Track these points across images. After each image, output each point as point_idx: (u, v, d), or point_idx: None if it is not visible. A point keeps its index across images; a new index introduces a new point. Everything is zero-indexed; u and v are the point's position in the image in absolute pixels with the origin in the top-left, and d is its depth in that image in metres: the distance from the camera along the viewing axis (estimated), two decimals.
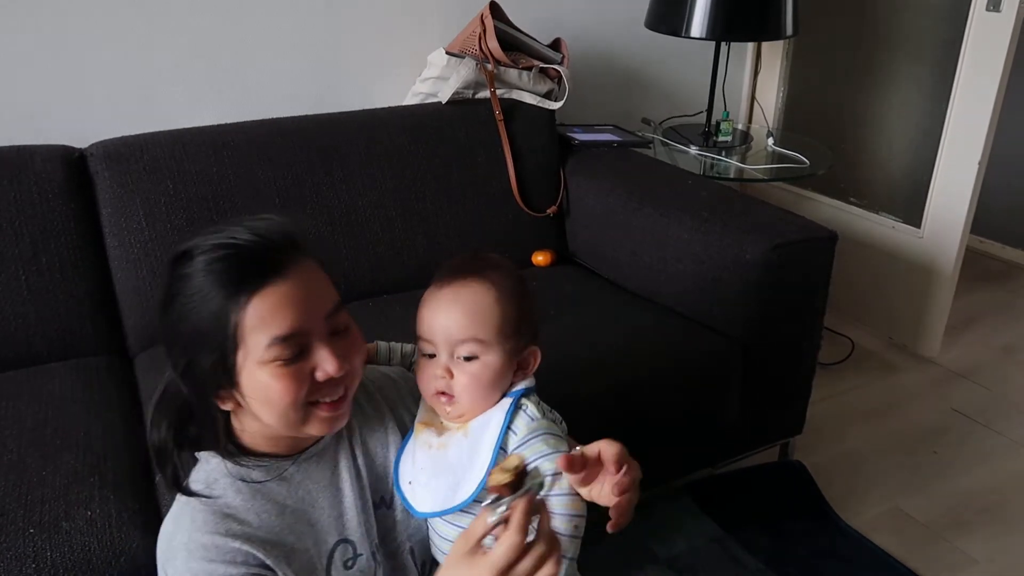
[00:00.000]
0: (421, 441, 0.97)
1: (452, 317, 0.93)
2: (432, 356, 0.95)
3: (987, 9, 2.04)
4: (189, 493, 0.88)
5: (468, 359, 0.93)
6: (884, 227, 2.44)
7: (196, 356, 0.83)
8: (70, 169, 1.58)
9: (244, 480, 0.89)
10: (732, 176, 2.22)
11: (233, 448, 0.89)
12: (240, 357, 0.82)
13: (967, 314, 2.61)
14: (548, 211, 1.96)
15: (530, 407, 0.96)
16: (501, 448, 0.93)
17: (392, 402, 1.03)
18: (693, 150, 2.29)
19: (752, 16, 2.12)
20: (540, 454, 0.91)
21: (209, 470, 0.90)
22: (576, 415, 1.41)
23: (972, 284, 2.76)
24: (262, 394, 0.84)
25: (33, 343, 1.54)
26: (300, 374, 0.84)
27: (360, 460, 0.97)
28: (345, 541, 0.94)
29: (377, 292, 1.78)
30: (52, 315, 1.54)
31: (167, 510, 1.16)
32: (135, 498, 1.18)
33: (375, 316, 1.65)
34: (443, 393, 0.95)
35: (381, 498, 0.98)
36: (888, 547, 1.68)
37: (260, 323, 0.81)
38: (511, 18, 2.01)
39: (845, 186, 2.56)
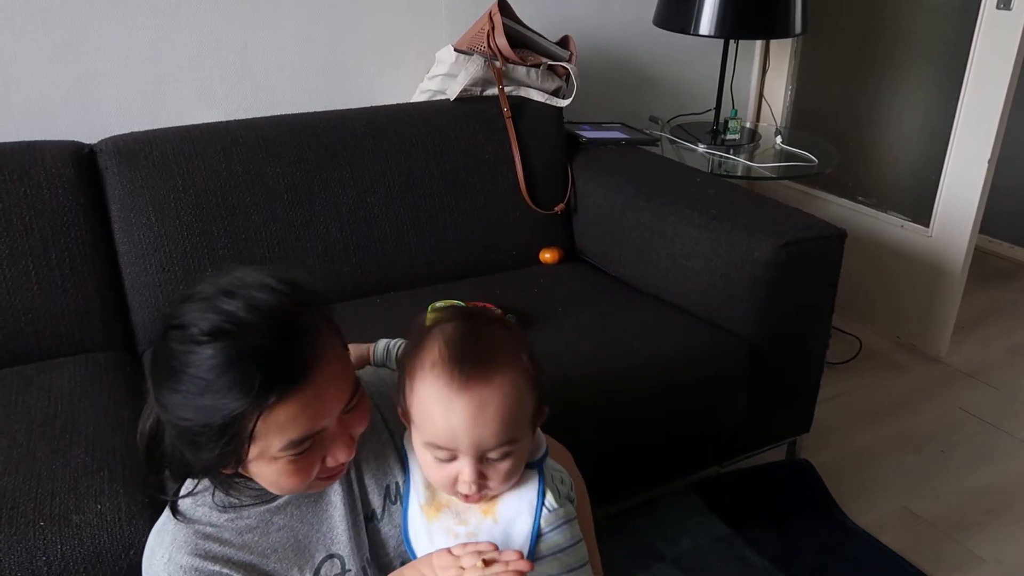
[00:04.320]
0: (440, 527, 0.91)
1: (484, 427, 0.82)
2: (450, 459, 0.85)
3: (997, 7, 2.03)
4: (174, 511, 0.87)
5: (503, 458, 0.85)
6: (892, 226, 2.43)
7: (201, 439, 0.79)
8: (80, 165, 1.59)
9: (232, 501, 0.89)
10: (740, 174, 2.22)
11: (224, 478, 0.87)
12: (250, 451, 0.80)
13: (975, 314, 2.60)
14: (556, 208, 1.96)
15: (549, 497, 0.90)
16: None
17: (387, 410, 0.99)
18: (701, 148, 2.29)
19: (761, 14, 2.11)
20: (557, 548, 0.90)
21: (197, 487, 0.89)
22: (583, 413, 1.42)
23: (980, 284, 2.75)
24: (269, 479, 0.83)
25: (42, 338, 1.54)
26: (310, 465, 0.83)
27: (352, 473, 0.94)
28: (332, 556, 0.92)
29: (384, 289, 1.79)
30: (61, 310, 1.55)
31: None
32: (144, 492, 1.18)
33: (383, 313, 1.65)
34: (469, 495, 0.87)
35: (372, 512, 0.96)
36: (895, 546, 1.67)
37: (278, 429, 0.78)
38: (520, 15, 2.01)
39: (853, 185, 2.55)
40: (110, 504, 1.15)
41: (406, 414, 0.88)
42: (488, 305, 1.59)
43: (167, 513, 0.88)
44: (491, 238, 1.90)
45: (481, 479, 0.85)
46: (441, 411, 0.82)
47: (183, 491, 0.89)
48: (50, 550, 1.09)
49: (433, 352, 0.84)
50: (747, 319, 1.60)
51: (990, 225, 2.79)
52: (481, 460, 0.84)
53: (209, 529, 0.88)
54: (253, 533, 0.89)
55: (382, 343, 1.13)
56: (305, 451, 0.81)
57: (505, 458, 0.85)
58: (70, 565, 1.09)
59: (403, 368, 0.88)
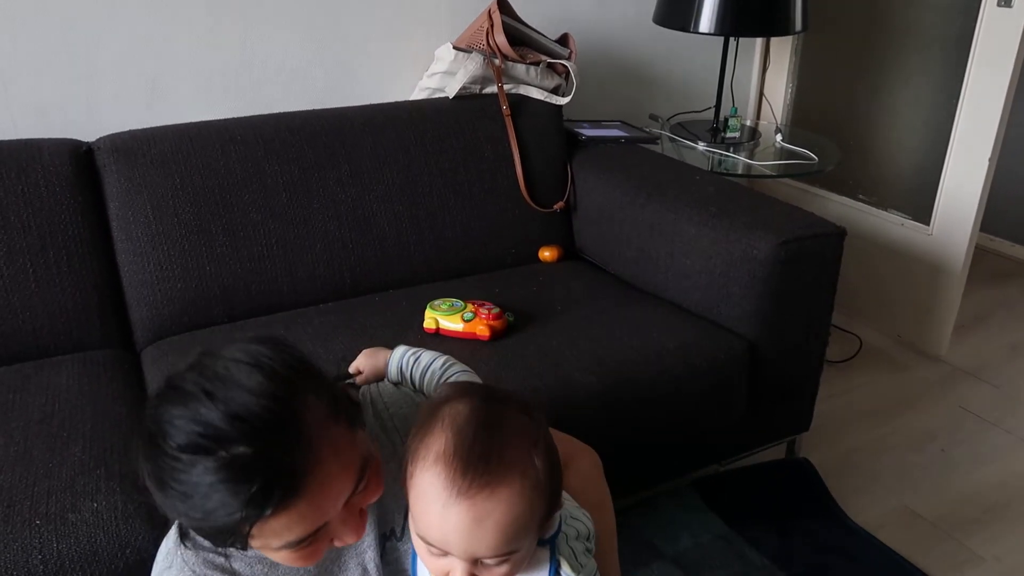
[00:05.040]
0: None
1: (480, 540, 0.75)
2: (442, 555, 0.79)
3: (999, 5, 2.03)
4: (183, 535, 0.85)
5: (499, 564, 0.78)
6: (893, 224, 2.42)
7: (197, 529, 0.77)
8: (78, 163, 1.59)
9: None
10: (740, 172, 2.21)
11: None
12: (250, 544, 0.77)
13: (976, 312, 2.60)
14: (555, 206, 1.96)
15: (565, 568, 0.85)
16: None
17: (406, 428, 0.94)
18: (701, 146, 2.29)
19: (761, 11, 2.11)
20: None
21: None
22: (582, 412, 1.42)
23: (981, 282, 2.75)
24: (276, 559, 0.81)
25: (40, 336, 1.54)
26: (316, 552, 0.80)
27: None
28: None
29: (383, 287, 1.78)
30: (59, 308, 1.55)
31: None
32: (142, 491, 1.18)
33: (381, 311, 1.65)
34: None
35: (391, 530, 0.94)
36: (895, 545, 1.67)
37: (275, 534, 0.75)
38: (519, 13, 2.01)
39: (854, 183, 2.54)
40: (106, 503, 1.14)
41: (406, 494, 0.82)
42: (486, 303, 1.59)
43: (175, 536, 0.86)
44: (490, 236, 1.90)
45: None
46: (436, 514, 0.75)
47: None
48: (46, 548, 1.08)
49: (439, 442, 0.76)
50: (747, 317, 1.60)
51: (991, 223, 2.79)
52: (475, 563, 0.78)
53: (219, 560, 0.85)
54: (263, 564, 0.87)
55: (396, 357, 1.08)
56: (308, 544, 0.78)
57: (503, 564, 0.78)
58: (66, 564, 1.09)
59: (408, 445, 0.81)
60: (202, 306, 1.64)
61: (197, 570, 0.84)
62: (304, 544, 0.77)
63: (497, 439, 0.77)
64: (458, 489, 0.74)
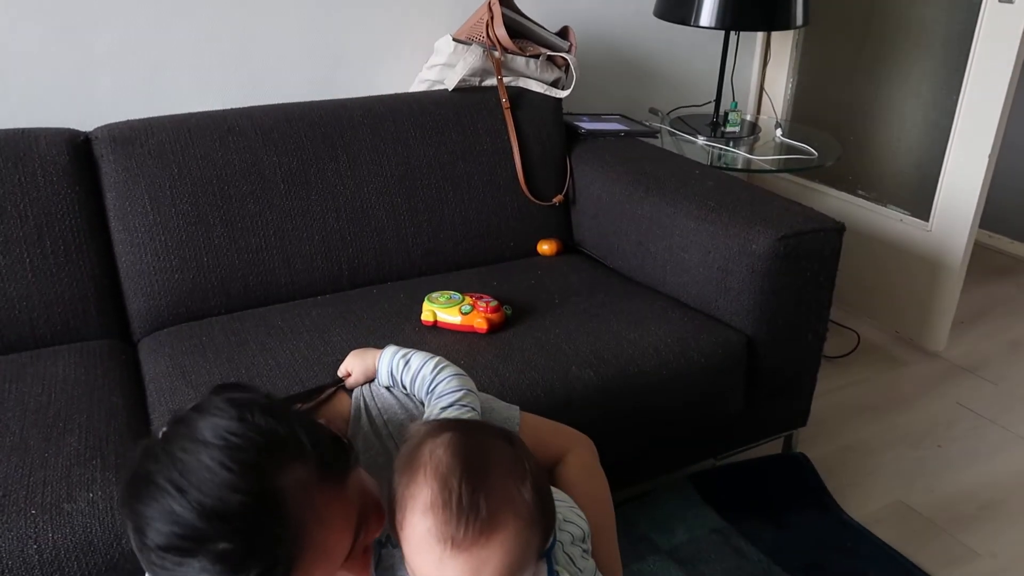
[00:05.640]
0: None
1: None
2: None
3: (1000, 1, 2.02)
4: None
5: None
6: (892, 220, 2.42)
7: None
8: (75, 152, 1.58)
9: None
10: (740, 167, 2.21)
11: None
12: None
13: (974, 309, 2.60)
14: (554, 200, 1.96)
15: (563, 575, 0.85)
16: None
17: (401, 434, 0.95)
18: (701, 140, 2.28)
19: (762, 5, 2.10)
20: None
21: None
22: (579, 405, 1.42)
23: (980, 279, 2.75)
24: None
25: (37, 326, 1.54)
26: None
27: None
28: None
29: (381, 279, 1.78)
30: (56, 298, 1.54)
31: None
32: None
33: (379, 303, 1.65)
34: None
35: (388, 536, 0.93)
36: (891, 540, 1.67)
37: None
38: (519, 5, 2.00)
39: (853, 178, 2.54)
40: (102, 493, 1.14)
41: (395, 534, 0.80)
42: (484, 296, 1.59)
43: None
44: (489, 229, 1.89)
45: None
46: (432, 566, 0.74)
47: None
48: (41, 538, 1.08)
49: (424, 493, 0.75)
50: (745, 311, 1.60)
51: (990, 220, 2.79)
52: None
53: None
54: None
55: (386, 360, 1.05)
56: None
57: None
58: (61, 553, 1.09)
59: (396, 482, 0.79)
60: (199, 297, 1.63)
61: None
62: None
63: (484, 483, 0.75)
64: (452, 542, 0.73)
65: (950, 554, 1.66)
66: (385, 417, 0.99)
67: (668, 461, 1.73)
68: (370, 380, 1.06)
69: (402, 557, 0.86)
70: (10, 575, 1.06)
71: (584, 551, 0.93)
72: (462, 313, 1.53)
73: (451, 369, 1.03)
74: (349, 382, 1.07)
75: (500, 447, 0.80)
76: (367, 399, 1.02)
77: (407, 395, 1.03)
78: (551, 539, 0.84)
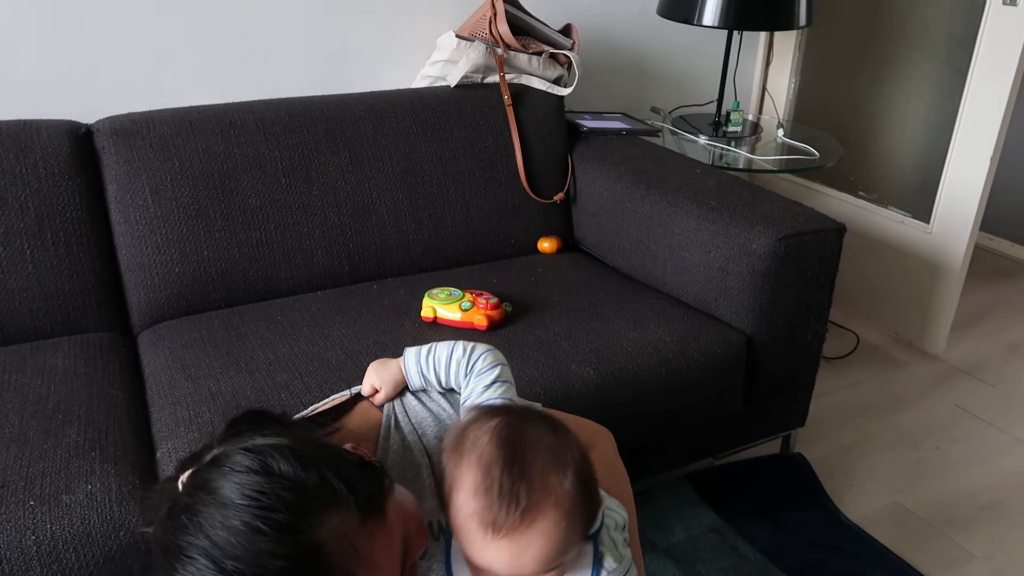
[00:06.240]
0: None
1: (522, 568, 0.78)
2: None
3: (1004, 3, 2.02)
4: None
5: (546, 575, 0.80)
6: (893, 221, 2.42)
7: None
8: (76, 144, 1.58)
9: None
10: (741, 167, 2.21)
11: None
12: None
13: (974, 311, 2.60)
14: (555, 198, 1.95)
15: (607, 559, 0.87)
16: None
17: (436, 454, 0.94)
18: (702, 140, 2.28)
19: (765, 5, 2.10)
20: None
21: None
22: (578, 403, 1.42)
23: (980, 281, 2.75)
24: None
25: (37, 318, 1.54)
26: None
27: None
28: None
29: (382, 275, 1.78)
30: (56, 290, 1.54)
31: None
32: (136, 473, 1.18)
33: (379, 299, 1.65)
34: None
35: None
36: (887, 541, 1.67)
37: None
38: (522, 2, 2.00)
39: (854, 179, 2.54)
40: (101, 485, 1.14)
41: (446, 511, 0.83)
42: (484, 292, 1.59)
43: None
44: (489, 226, 1.89)
45: None
46: (476, 548, 0.78)
47: None
48: (40, 530, 1.08)
49: (468, 479, 0.78)
50: (744, 311, 1.60)
51: (991, 223, 2.79)
52: None
53: None
54: None
55: (411, 362, 1.03)
56: None
57: (549, 573, 0.81)
58: (59, 545, 1.09)
59: (444, 463, 0.82)
60: (199, 291, 1.63)
61: None
62: None
63: (524, 474, 0.77)
64: (493, 528, 0.76)
65: (947, 556, 1.66)
66: (419, 432, 0.98)
67: (666, 460, 1.73)
68: (400, 391, 1.03)
69: (428, 568, 0.89)
70: (8, 566, 1.06)
71: (624, 539, 0.94)
72: (462, 310, 1.53)
73: (483, 346, 1.02)
74: (379, 398, 1.02)
75: (544, 436, 0.81)
76: (399, 415, 1.00)
77: (442, 395, 1.02)
78: (598, 522, 0.87)
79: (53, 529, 1.09)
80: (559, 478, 0.78)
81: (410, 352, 1.03)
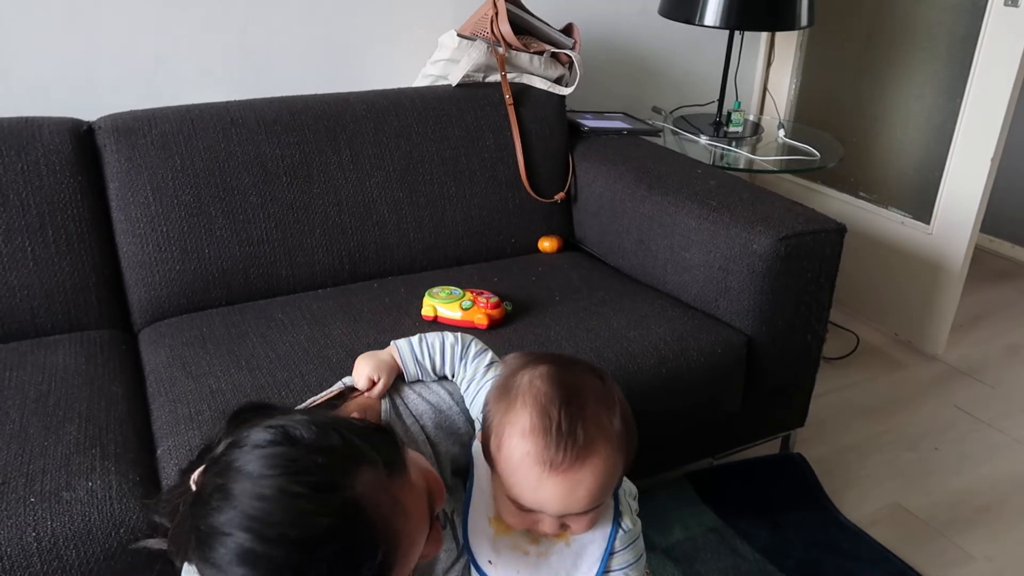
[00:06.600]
0: (508, 543, 0.91)
1: (573, 502, 0.82)
2: (532, 511, 0.84)
3: (1005, 4, 2.02)
4: None
5: (586, 513, 0.85)
6: (893, 222, 2.42)
7: None
8: (78, 142, 1.58)
9: None
10: (742, 167, 2.21)
11: None
12: None
13: (974, 312, 2.60)
14: (556, 197, 1.96)
15: (625, 519, 0.91)
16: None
17: (441, 443, 0.95)
18: (703, 140, 2.28)
19: (767, 6, 2.10)
20: (625, 564, 0.92)
21: None
22: None
23: (980, 283, 2.75)
24: None
25: (38, 315, 1.54)
26: None
27: None
28: None
29: (382, 273, 1.78)
30: (57, 287, 1.54)
31: (168, 483, 1.18)
32: (136, 470, 1.18)
33: (380, 297, 1.65)
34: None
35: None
36: (887, 542, 1.67)
37: None
38: (523, 2, 2.00)
39: (855, 180, 2.54)
40: (101, 482, 1.14)
41: (490, 458, 0.86)
42: (485, 292, 1.59)
43: None
44: (490, 225, 1.89)
45: (563, 528, 0.86)
46: (531, 487, 0.81)
47: None
48: (40, 526, 1.09)
49: (523, 419, 0.81)
50: (745, 311, 1.60)
51: (991, 224, 2.80)
52: (564, 516, 0.84)
53: None
54: None
55: (406, 353, 1.04)
56: None
57: (589, 512, 0.84)
58: (60, 542, 1.09)
59: (491, 410, 0.85)
60: (200, 288, 1.64)
61: None
62: None
63: (580, 411, 0.81)
64: (551, 465, 0.79)
65: (946, 557, 1.66)
66: (421, 423, 0.99)
67: (666, 459, 1.73)
68: (395, 377, 1.04)
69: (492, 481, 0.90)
70: (8, 563, 1.06)
71: (636, 511, 0.97)
72: (462, 309, 1.53)
73: (469, 335, 1.06)
74: (378, 390, 1.02)
75: (591, 379, 0.86)
76: (399, 407, 1.01)
77: (438, 383, 1.03)
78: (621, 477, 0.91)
79: (53, 526, 1.09)
80: (609, 417, 0.83)
81: (401, 342, 1.05)
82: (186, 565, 0.82)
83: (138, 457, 1.22)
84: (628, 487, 0.96)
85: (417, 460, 0.83)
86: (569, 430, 0.79)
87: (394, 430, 0.84)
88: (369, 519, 0.69)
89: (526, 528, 0.86)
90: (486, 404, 0.88)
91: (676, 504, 1.74)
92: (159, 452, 1.24)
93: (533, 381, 0.83)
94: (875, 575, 1.59)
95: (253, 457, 0.70)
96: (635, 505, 0.97)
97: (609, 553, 0.90)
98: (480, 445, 0.90)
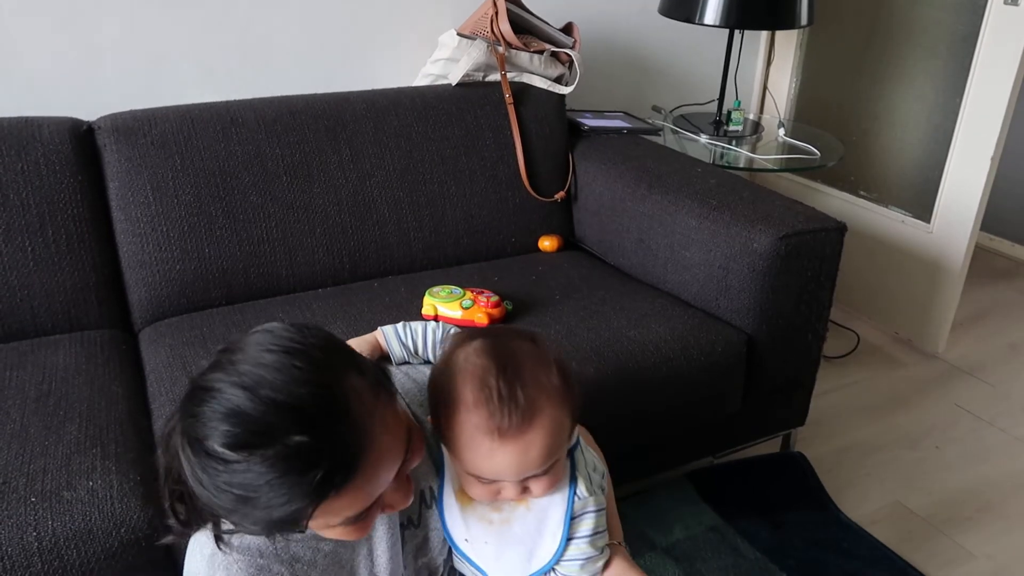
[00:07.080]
0: (475, 515, 0.93)
1: (528, 464, 0.84)
2: (492, 481, 0.87)
3: (1005, 3, 2.02)
4: (219, 541, 0.81)
5: (545, 473, 0.87)
6: (893, 221, 2.42)
7: (258, 526, 0.75)
8: (78, 142, 1.58)
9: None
10: (742, 166, 2.21)
11: None
12: (311, 524, 0.76)
13: (974, 311, 2.60)
14: (556, 196, 1.96)
15: (580, 486, 0.93)
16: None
17: (413, 414, 0.97)
18: (703, 139, 2.28)
19: (767, 5, 2.10)
20: (589, 532, 0.94)
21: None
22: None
23: (980, 281, 2.75)
24: (328, 535, 0.82)
25: (38, 315, 1.54)
26: (370, 522, 0.81)
27: None
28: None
29: (383, 273, 1.78)
30: (57, 287, 1.54)
31: None
32: (136, 470, 1.18)
33: (380, 297, 1.65)
34: None
35: (408, 518, 0.95)
36: (887, 540, 1.68)
37: (335, 512, 0.75)
38: (523, 1, 2.00)
39: (855, 179, 2.54)
40: (102, 481, 1.14)
41: (444, 441, 0.88)
42: (485, 291, 1.59)
43: (211, 544, 0.82)
44: (490, 224, 1.89)
45: (524, 492, 0.88)
46: (485, 457, 0.83)
47: (224, 525, 0.82)
48: (41, 526, 1.09)
49: (467, 393, 0.83)
50: (745, 310, 1.60)
51: (991, 223, 2.79)
52: (524, 479, 0.86)
53: (261, 561, 0.84)
54: (302, 563, 0.86)
55: (392, 336, 1.09)
56: (365, 517, 0.79)
57: (547, 472, 0.86)
58: (60, 541, 1.09)
59: (434, 394, 0.87)
60: (200, 288, 1.64)
61: (249, 573, 0.83)
62: (362, 518, 0.78)
63: (517, 375, 0.83)
64: (499, 432, 0.81)
65: (946, 555, 1.66)
66: (406, 400, 1.00)
67: (666, 458, 1.73)
68: (380, 356, 1.09)
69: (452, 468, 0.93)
70: (9, 562, 1.06)
71: (600, 486, 0.98)
72: (463, 308, 1.53)
73: (450, 324, 1.12)
74: None
75: (523, 344, 0.88)
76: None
77: (425, 365, 1.07)
78: (575, 439, 0.94)
79: (54, 525, 1.09)
80: (547, 375, 0.85)
81: (386, 327, 1.10)
82: (192, 539, 0.85)
83: (138, 457, 1.22)
84: (589, 460, 0.98)
85: (408, 411, 0.86)
86: (510, 395, 0.81)
87: (388, 371, 0.87)
88: (348, 410, 0.72)
89: (490, 498, 0.88)
90: (428, 390, 0.90)
91: (676, 503, 1.74)
92: (159, 452, 1.24)
93: (468, 358, 0.85)
94: (876, 574, 1.59)
95: (262, 339, 0.74)
96: (597, 478, 0.98)
97: (571, 517, 0.92)
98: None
